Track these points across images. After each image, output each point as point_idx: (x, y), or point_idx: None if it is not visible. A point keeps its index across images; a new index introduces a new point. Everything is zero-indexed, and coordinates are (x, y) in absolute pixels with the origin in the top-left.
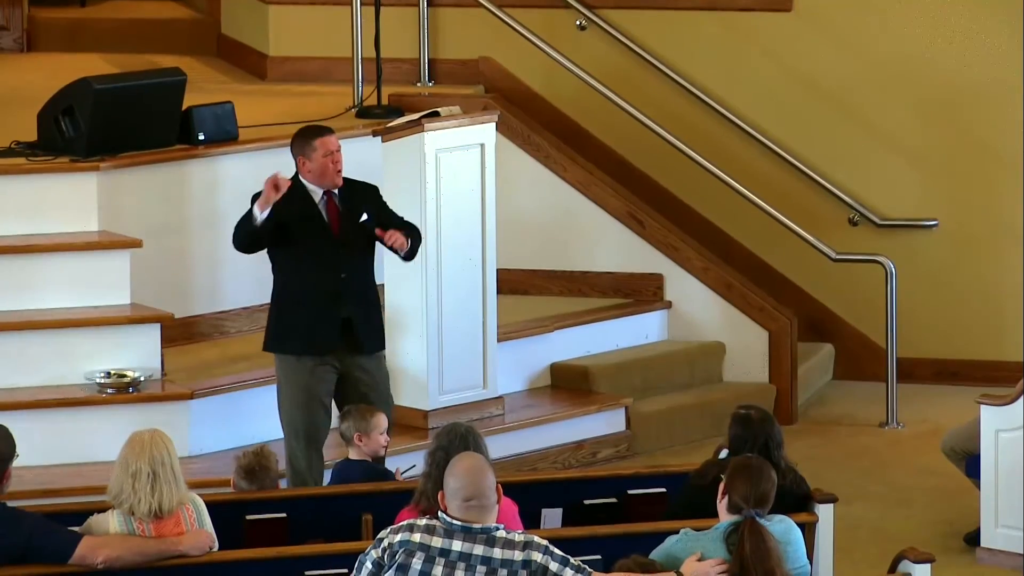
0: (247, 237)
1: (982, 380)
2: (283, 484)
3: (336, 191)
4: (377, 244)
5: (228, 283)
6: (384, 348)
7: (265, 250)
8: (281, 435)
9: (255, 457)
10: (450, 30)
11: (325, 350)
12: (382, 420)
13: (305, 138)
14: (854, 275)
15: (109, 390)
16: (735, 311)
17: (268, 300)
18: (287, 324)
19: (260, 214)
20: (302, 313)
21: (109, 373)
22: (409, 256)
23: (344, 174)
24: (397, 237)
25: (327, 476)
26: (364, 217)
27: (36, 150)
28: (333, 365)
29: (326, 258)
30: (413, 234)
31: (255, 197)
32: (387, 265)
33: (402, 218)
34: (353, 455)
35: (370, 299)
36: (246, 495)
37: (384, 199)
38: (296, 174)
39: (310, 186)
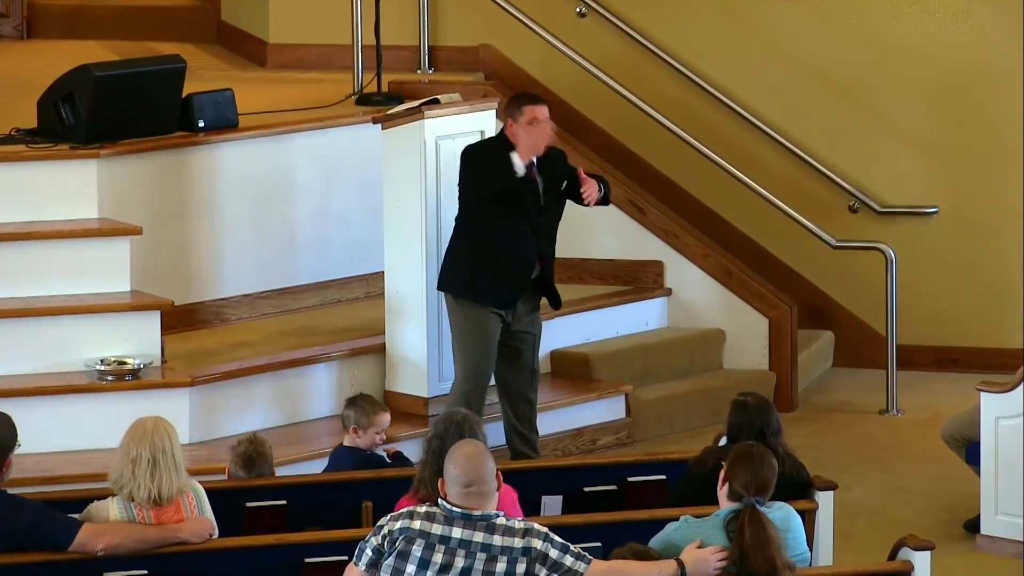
0: (504, 192)
1: (982, 367)
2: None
3: (537, 159)
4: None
5: (228, 270)
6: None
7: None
8: (276, 423)
9: (251, 445)
10: (450, 17)
11: (511, 302)
12: (383, 420)
13: (517, 103)
14: (854, 262)
15: (109, 377)
16: (735, 298)
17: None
18: (488, 273)
19: (521, 167)
20: (506, 265)
21: (109, 360)
22: (604, 201)
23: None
24: (591, 190)
25: (322, 463)
26: (564, 185)
27: (36, 137)
28: (502, 317)
29: (527, 218)
30: (603, 183)
31: (486, 159)
32: (387, 253)
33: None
34: (346, 442)
35: (552, 263)
36: (246, 482)
37: (568, 161)
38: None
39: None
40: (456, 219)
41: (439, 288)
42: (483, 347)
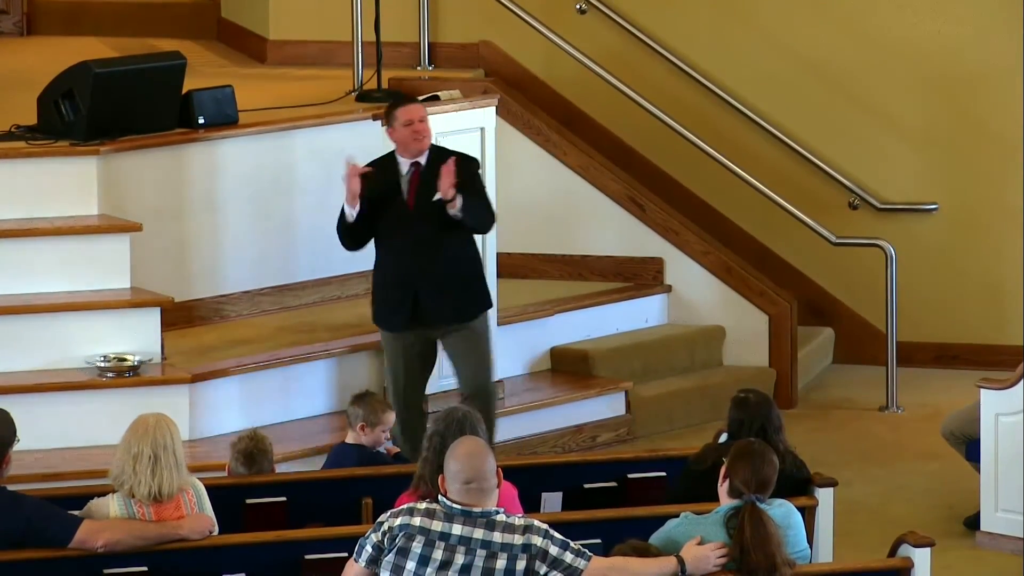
0: (345, 235)
1: (982, 364)
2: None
3: (424, 163)
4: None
5: (228, 267)
6: (470, 320)
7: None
8: (276, 420)
9: (251, 442)
10: (450, 13)
11: (400, 325)
12: (390, 418)
13: (389, 109)
14: (854, 259)
15: (109, 374)
16: (735, 295)
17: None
18: (377, 296)
19: (350, 210)
20: (385, 286)
21: (109, 357)
22: (473, 225)
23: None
24: (447, 183)
25: (322, 460)
26: (438, 196)
27: (36, 134)
28: (421, 336)
29: (402, 231)
30: (479, 207)
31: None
32: None
33: (481, 194)
34: (350, 439)
35: (450, 272)
36: (246, 479)
37: (479, 174)
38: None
39: (400, 157)
40: None
41: None
42: (395, 369)
